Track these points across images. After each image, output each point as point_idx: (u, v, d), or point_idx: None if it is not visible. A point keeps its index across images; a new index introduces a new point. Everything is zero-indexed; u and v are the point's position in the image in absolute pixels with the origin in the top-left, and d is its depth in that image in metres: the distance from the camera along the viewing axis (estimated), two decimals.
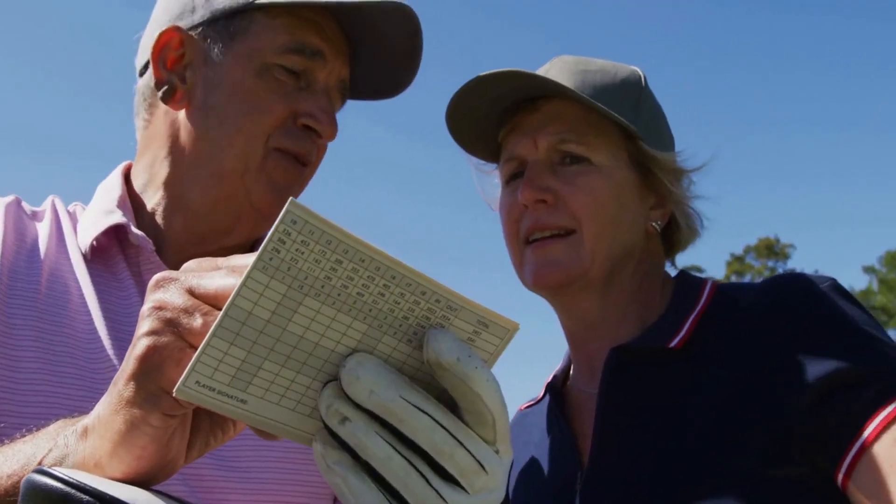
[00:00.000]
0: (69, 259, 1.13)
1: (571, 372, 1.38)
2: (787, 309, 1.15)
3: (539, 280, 1.26)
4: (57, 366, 1.01)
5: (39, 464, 0.74)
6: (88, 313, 1.07)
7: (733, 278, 30.95)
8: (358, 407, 0.65)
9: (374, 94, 1.31)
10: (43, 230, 1.16)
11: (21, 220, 1.15)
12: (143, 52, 1.23)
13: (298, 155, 1.16)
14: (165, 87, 1.16)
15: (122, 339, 1.05)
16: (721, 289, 1.28)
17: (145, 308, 0.67)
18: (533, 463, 1.35)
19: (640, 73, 1.35)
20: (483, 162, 1.44)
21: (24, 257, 1.10)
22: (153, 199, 1.19)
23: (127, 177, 1.25)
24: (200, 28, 1.16)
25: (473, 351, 0.67)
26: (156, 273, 1.07)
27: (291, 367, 0.65)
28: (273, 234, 0.60)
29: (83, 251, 1.13)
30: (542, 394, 1.43)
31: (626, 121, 1.25)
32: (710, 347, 1.19)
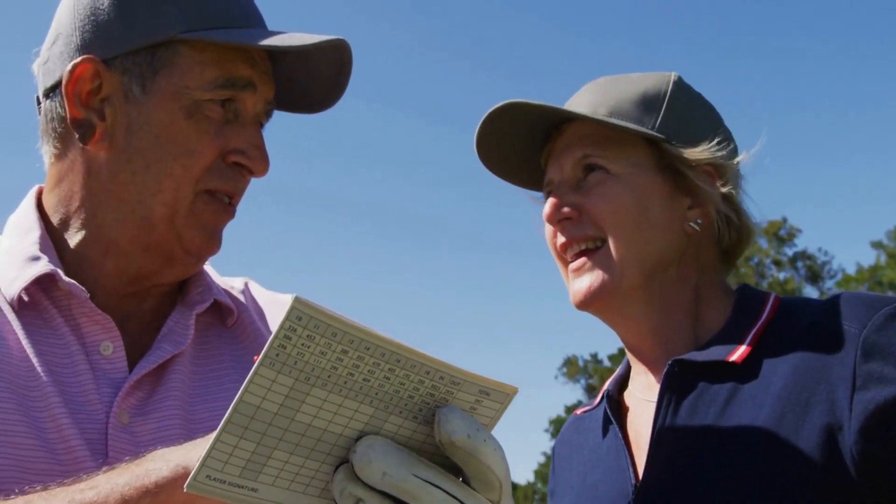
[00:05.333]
0: (0, 309, 1.08)
1: (631, 378, 1.41)
2: (853, 329, 1.15)
3: (579, 304, 1.30)
4: (6, 424, 0.98)
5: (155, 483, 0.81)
6: (32, 369, 1.03)
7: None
8: (370, 488, 0.67)
9: (294, 108, 1.26)
10: None
11: None
12: (49, 74, 1.14)
13: (228, 194, 1.13)
14: (87, 127, 1.09)
15: (66, 393, 1.03)
16: (784, 303, 1.28)
17: None
18: (586, 469, 1.38)
19: (672, 77, 1.36)
20: (536, 193, 1.48)
21: None
22: (76, 239, 1.13)
23: (40, 205, 1.18)
24: (118, 60, 1.08)
25: (477, 419, 0.70)
26: (92, 319, 1.07)
27: (300, 453, 0.67)
28: (279, 331, 0.62)
29: (10, 301, 1.07)
30: (598, 399, 1.45)
31: (640, 127, 1.28)
32: (772, 363, 1.19)
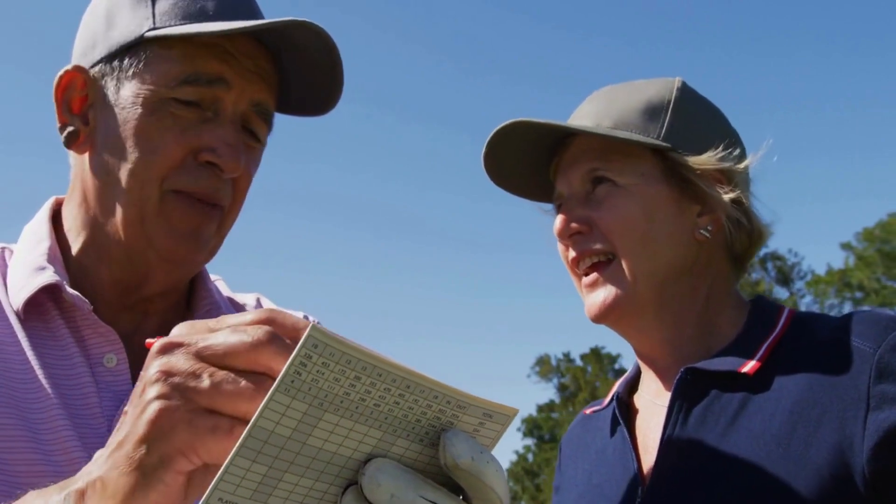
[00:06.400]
0: (6, 318, 1.08)
1: (641, 382, 1.42)
2: (867, 348, 1.15)
3: (594, 318, 1.31)
4: (4, 441, 0.97)
5: None
6: (34, 380, 1.03)
7: None
8: None
9: (304, 110, 1.23)
10: None
11: None
12: None
13: (199, 195, 1.09)
14: (68, 132, 1.12)
15: (68, 405, 1.03)
16: (798, 317, 1.29)
17: (151, 373, 0.68)
18: (592, 468, 1.39)
19: (676, 83, 1.36)
20: (547, 206, 1.49)
21: None
22: (76, 248, 1.15)
23: (57, 215, 1.19)
24: (99, 66, 1.11)
25: (480, 441, 0.72)
26: (96, 331, 1.07)
27: (310, 475, 0.68)
28: (295, 358, 0.62)
29: (16, 310, 1.08)
30: (607, 400, 1.46)
31: (645, 137, 1.29)
32: (784, 377, 1.20)
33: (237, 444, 0.64)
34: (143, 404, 0.68)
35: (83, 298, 1.08)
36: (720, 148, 1.31)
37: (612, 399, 1.42)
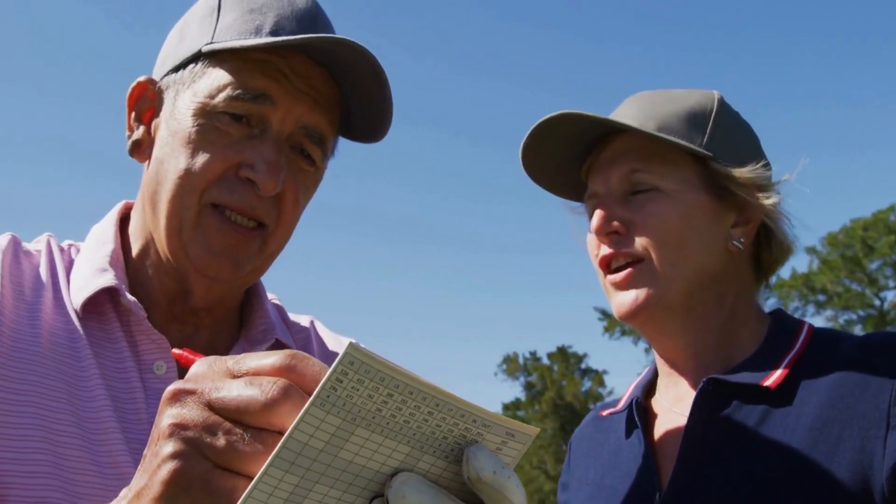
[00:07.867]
0: (67, 315, 1.10)
1: (658, 386, 1.43)
2: (890, 369, 1.17)
3: (624, 316, 1.32)
4: (59, 435, 0.99)
5: None
6: (90, 378, 1.04)
7: None
8: None
9: (361, 136, 1.24)
10: (41, 278, 1.13)
11: (18, 269, 1.11)
12: None
13: (236, 209, 1.09)
14: (132, 140, 1.16)
15: (119, 408, 1.04)
16: (819, 333, 1.31)
17: (165, 425, 0.66)
18: (604, 469, 1.40)
19: (716, 95, 1.38)
20: (575, 203, 1.50)
21: (24, 315, 1.06)
22: (135, 251, 1.17)
23: (125, 219, 1.22)
24: (165, 78, 1.14)
25: (502, 458, 0.75)
26: (148, 338, 1.09)
27: (339, 487, 0.71)
28: (332, 374, 0.65)
29: (75, 308, 1.09)
30: (623, 403, 1.47)
31: (689, 144, 1.29)
32: (805, 392, 1.21)
33: (272, 454, 0.66)
34: (159, 461, 0.66)
35: (139, 305, 1.10)
36: (759, 164, 1.33)
37: (628, 402, 1.43)
